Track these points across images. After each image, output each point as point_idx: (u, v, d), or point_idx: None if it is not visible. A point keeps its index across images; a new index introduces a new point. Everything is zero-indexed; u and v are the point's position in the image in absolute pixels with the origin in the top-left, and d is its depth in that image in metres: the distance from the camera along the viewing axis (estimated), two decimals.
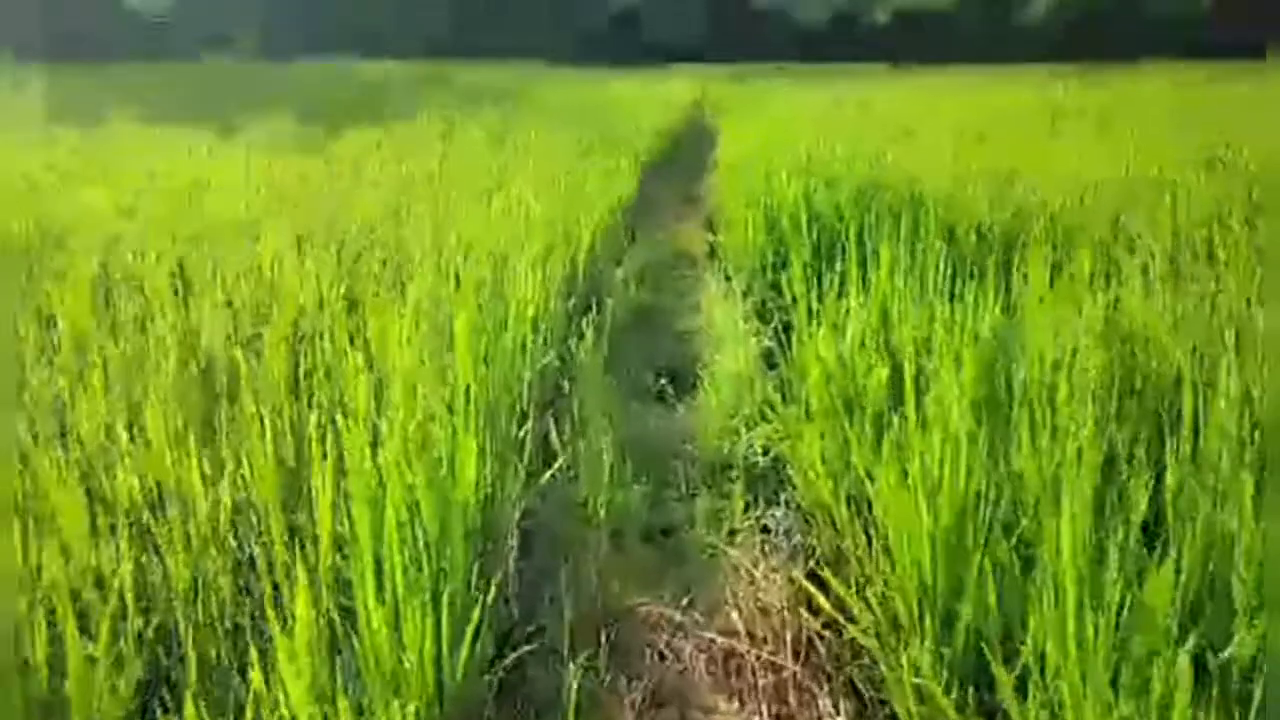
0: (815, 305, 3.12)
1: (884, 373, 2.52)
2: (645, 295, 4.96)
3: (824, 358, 2.67)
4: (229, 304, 3.11)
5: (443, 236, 4.13)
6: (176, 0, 37.01)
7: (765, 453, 3.29)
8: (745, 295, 4.53)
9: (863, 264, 3.37)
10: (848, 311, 3.00)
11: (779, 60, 26.63)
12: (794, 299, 3.39)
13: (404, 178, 5.91)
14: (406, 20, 33.30)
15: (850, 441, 2.41)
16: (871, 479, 2.30)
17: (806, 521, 2.69)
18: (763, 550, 2.64)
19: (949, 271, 3.35)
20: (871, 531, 2.29)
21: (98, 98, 12.93)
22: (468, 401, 2.14)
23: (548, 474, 2.64)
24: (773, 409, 3.22)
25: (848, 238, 4.44)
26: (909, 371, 2.27)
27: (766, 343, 3.81)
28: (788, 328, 3.51)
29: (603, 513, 2.75)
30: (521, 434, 2.61)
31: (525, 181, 5.45)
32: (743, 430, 3.34)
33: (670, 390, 3.90)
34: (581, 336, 3.73)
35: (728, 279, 4.91)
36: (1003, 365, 2.52)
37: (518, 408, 3.08)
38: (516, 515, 2.62)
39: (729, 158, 7.32)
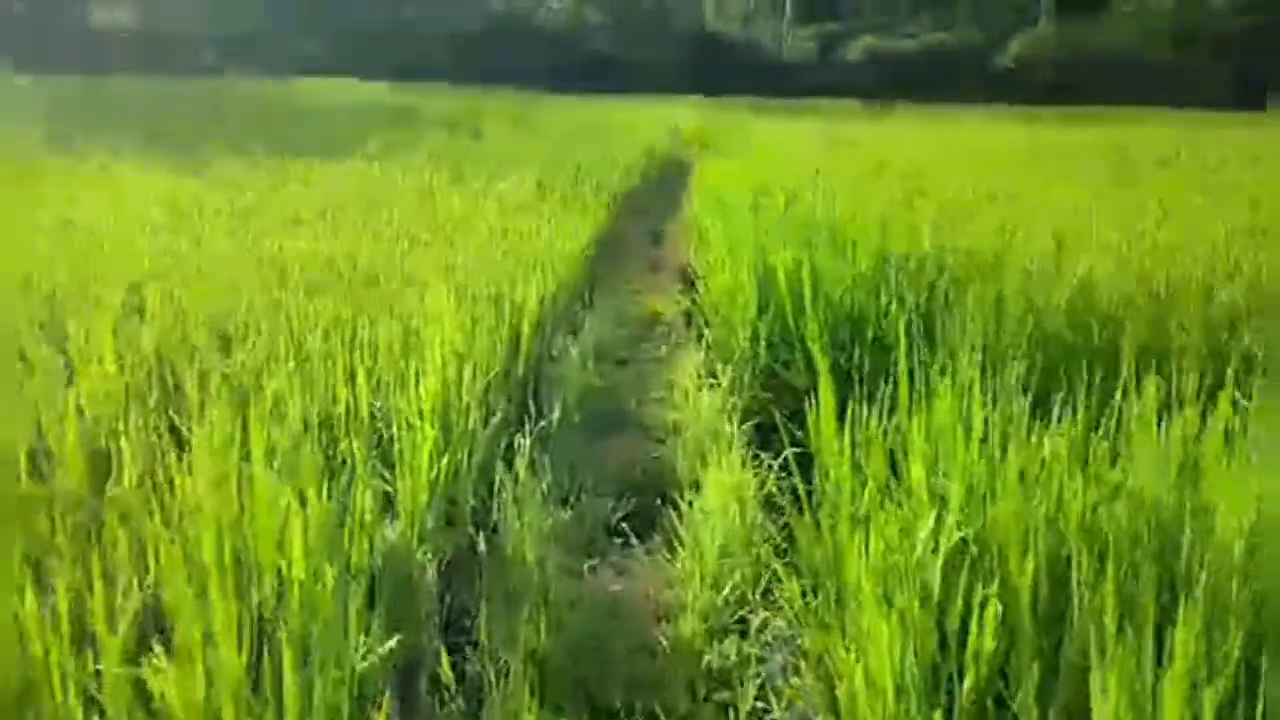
0: (852, 449, 2.09)
1: (995, 609, 1.49)
2: (605, 376, 3.93)
3: (881, 566, 1.64)
4: None
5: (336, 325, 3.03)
6: (141, 15, 35.67)
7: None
8: (735, 385, 3.51)
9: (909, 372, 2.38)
10: (909, 487, 1.98)
11: (752, 94, 25.88)
12: (816, 421, 2.38)
13: (331, 225, 4.74)
14: (378, 46, 32.15)
15: None
16: None
17: None
18: None
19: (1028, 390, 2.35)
20: None
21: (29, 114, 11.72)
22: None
23: None
24: (780, 587, 2.19)
25: (873, 325, 3.47)
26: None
27: (766, 459, 2.79)
28: (797, 442, 2.48)
29: None
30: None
31: (469, 233, 4.40)
32: (737, 615, 2.32)
33: (633, 529, 2.85)
34: (510, 460, 2.68)
35: (710, 363, 3.90)
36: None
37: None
38: None
39: (707, 200, 6.33)
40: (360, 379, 2.54)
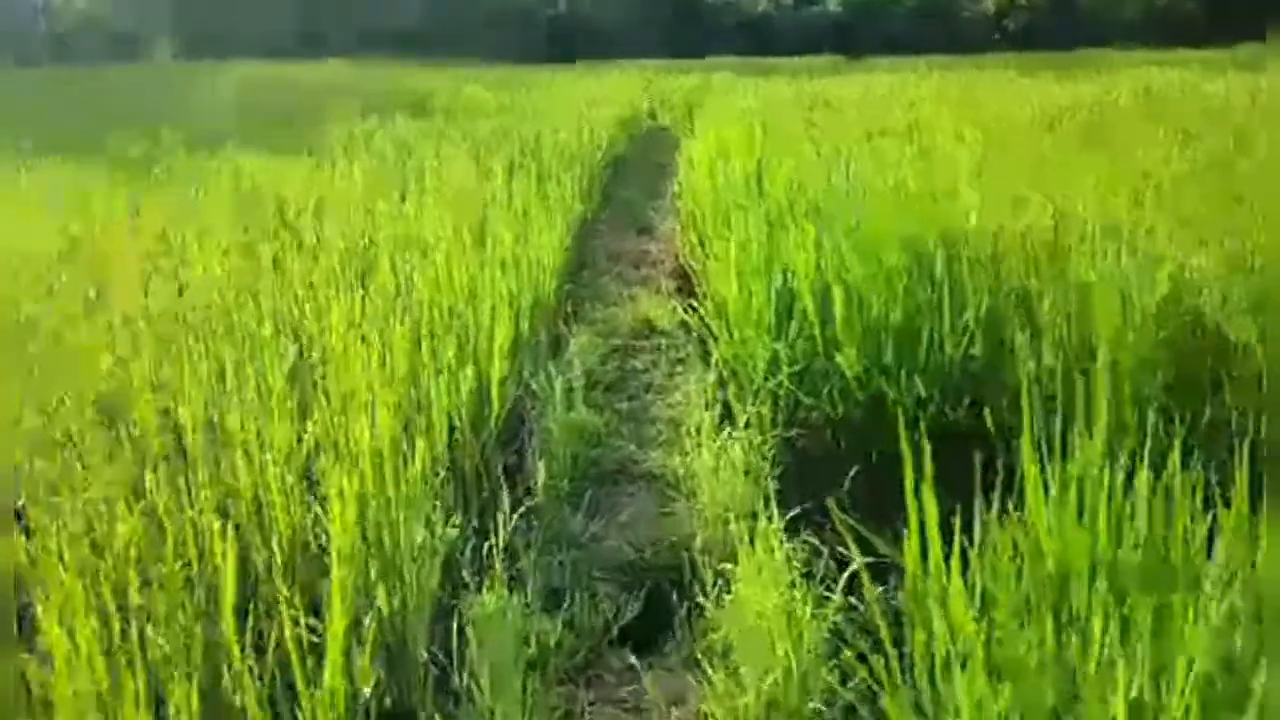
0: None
1: None
2: (594, 413, 3.25)
3: None
4: None
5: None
6: (87, 5, 34.30)
7: None
8: (756, 418, 2.84)
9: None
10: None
11: (731, 54, 24.95)
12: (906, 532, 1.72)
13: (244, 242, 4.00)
14: (344, 18, 30.94)
15: None
16: None
17: None
18: None
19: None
20: None
21: None
22: None
23: None
24: None
25: (926, 340, 2.82)
26: None
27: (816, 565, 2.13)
28: (870, 549, 1.80)
29: None
30: None
31: (411, 245, 3.70)
32: None
33: (645, 634, 2.20)
34: (485, 564, 2.02)
35: (719, 386, 3.23)
36: None
37: None
38: None
39: (697, 180, 5.60)
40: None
